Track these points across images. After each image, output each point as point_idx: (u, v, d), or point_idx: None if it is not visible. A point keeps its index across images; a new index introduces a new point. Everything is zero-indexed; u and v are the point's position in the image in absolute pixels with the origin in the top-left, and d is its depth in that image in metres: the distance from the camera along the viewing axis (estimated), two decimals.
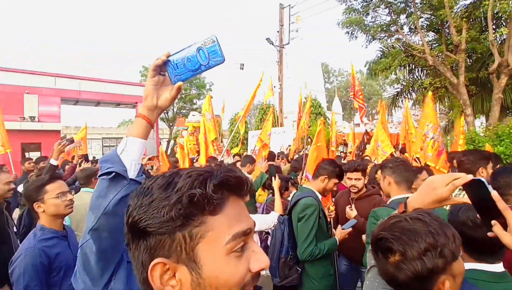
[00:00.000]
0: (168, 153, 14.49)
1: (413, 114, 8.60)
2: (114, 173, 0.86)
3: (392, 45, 11.77)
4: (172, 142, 21.99)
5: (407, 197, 2.06)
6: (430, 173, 2.97)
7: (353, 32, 11.61)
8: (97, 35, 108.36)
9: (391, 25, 11.20)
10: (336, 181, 2.50)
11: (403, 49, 11.20)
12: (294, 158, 6.36)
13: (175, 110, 22.33)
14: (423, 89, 11.52)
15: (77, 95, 17.05)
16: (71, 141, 3.82)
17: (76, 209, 2.18)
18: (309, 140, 7.56)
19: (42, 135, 15.19)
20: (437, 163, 4.62)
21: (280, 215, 2.85)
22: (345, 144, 13.84)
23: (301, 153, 7.15)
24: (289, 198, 3.45)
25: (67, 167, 6.08)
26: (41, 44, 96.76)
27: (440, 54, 10.34)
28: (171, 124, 22.72)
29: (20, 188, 3.83)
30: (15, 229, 2.85)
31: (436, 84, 10.48)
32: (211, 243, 0.51)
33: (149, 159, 7.66)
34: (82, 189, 3.32)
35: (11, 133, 14.42)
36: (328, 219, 2.70)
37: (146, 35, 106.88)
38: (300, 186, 3.05)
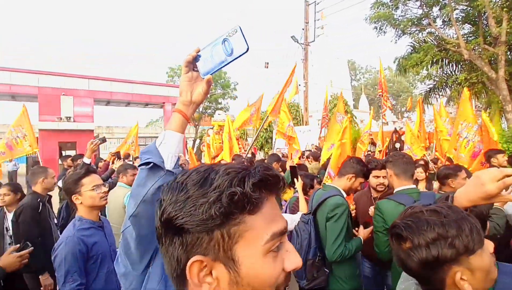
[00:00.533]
0: (194, 151, 14.83)
1: (450, 112, 8.10)
2: (152, 164, 0.90)
3: (424, 39, 11.25)
4: (197, 141, 22.46)
5: (409, 189, 2.15)
6: (469, 171, 2.81)
7: (381, 27, 11.23)
8: (97, 35, 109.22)
9: (423, 19, 10.72)
10: (362, 180, 2.40)
11: (435, 43, 10.68)
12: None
13: (200, 109, 22.77)
14: (458, 85, 10.94)
15: (109, 96, 17.86)
16: (103, 140, 4.01)
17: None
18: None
19: (77, 134, 16.08)
20: (471, 165, 4.29)
21: (304, 214, 2.81)
22: (373, 143, 13.43)
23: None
24: None
25: (100, 164, 6.40)
26: (41, 44, 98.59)
27: (476, 47, 9.76)
28: (196, 123, 23.20)
29: (60, 184, 4.08)
30: (55, 221, 3.04)
31: (472, 79, 9.90)
32: (250, 242, 0.50)
33: None
34: (118, 183, 3.70)
35: (49, 133, 15.45)
36: None
37: (145, 35, 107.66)
38: (324, 184, 2.94)
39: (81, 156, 5.87)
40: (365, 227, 2.47)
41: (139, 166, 0.93)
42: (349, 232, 2.33)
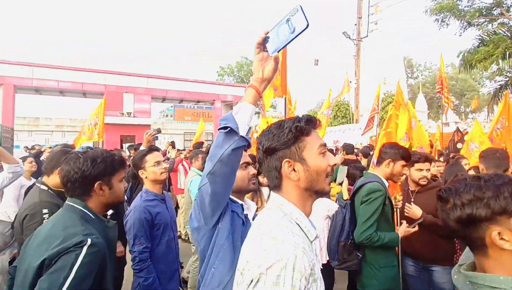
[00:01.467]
0: None
1: None
2: (229, 128, 1.05)
3: (494, 31, 10.15)
4: None
5: None
6: None
7: (443, 19, 10.41)
8: (97, 35, 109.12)
9: (494, 8, 9.70)
10: (404, 163, 2.31)
11: (509, 34, 9.58)
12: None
13: None
14: None
15: (164, 93, 19.09)
16: (159, 131, 4.29)
17: None
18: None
19: (136, 128, 17.48)
20: None
21: (343, 199, 2.82)
22: (430, 145, 12.44)
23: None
24: None
25: None
26: (41, 44, 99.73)
27: None
28: None
29: None
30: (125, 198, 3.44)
31: None
32: (310, 149, 0.92)
33: None
34: (191, 168, 4.29)
35: (112, 126, 17.01)
36: (395, 209, 2.51)
37: (145, 35, 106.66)
38: (365, 172, 2.91)
39: (140, 144, 6.51)
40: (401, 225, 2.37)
41: (219, 129, 1.08)
42: (387, 221, 2.28)
